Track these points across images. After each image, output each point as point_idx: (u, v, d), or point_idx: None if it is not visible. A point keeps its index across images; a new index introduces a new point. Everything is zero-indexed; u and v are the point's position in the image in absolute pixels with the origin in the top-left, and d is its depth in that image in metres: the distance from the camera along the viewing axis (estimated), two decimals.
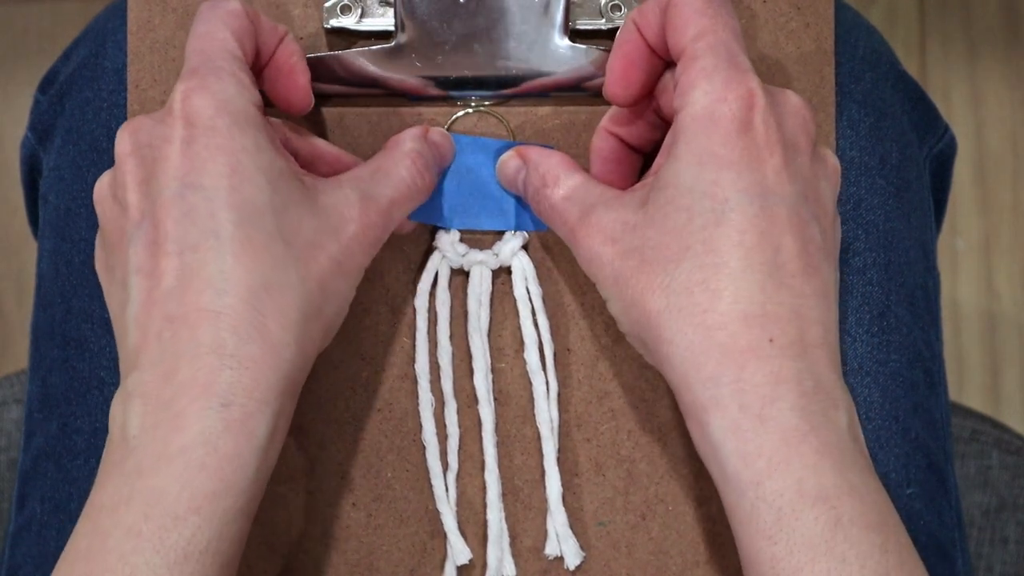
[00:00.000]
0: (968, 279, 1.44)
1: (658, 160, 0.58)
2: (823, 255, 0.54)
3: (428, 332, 0.63)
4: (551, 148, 0.61)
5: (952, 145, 0.75)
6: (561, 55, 0.61)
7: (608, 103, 0.59)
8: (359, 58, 0.61)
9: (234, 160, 0.53)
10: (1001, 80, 1.44)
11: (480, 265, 0.63)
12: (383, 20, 0.62)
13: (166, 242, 0.52)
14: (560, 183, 0.58)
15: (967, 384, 1.43)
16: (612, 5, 0.62)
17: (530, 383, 0.63)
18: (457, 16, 0.61)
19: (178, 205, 0.52)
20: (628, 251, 0.55)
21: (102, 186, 0.56)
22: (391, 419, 0.63)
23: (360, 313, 0.62)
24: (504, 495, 0.63)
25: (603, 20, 0.62)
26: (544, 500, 0.63)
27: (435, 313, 0.63)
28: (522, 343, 0.63)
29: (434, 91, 0.62)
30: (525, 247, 0.63)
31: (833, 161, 0.56)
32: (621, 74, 0.57)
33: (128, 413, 0.52)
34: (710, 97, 0.53)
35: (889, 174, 0.66)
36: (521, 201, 0.62)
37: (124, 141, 0.54)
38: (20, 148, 0.73)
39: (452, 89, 0.62)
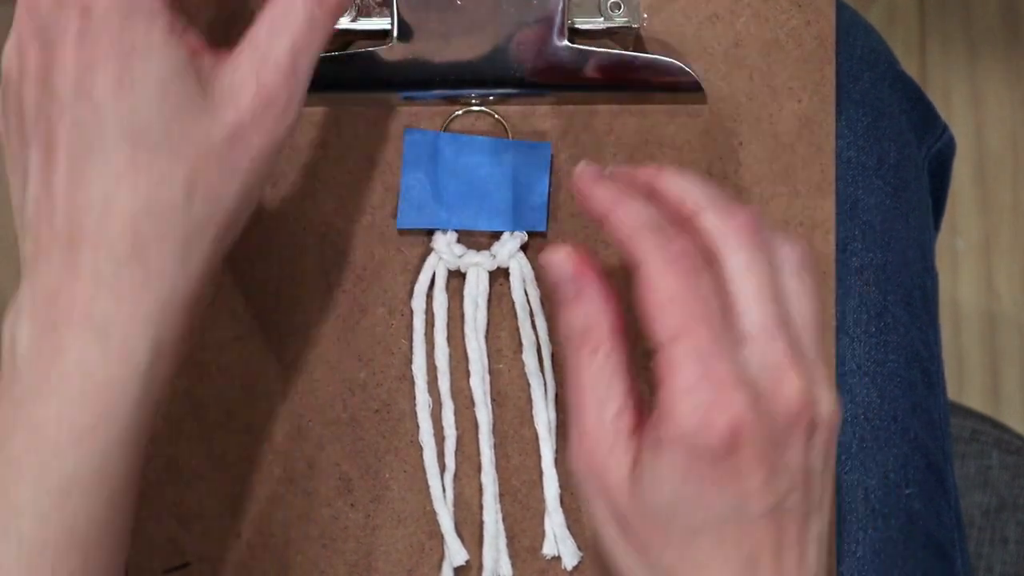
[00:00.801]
0: (968, 279, 1.44)
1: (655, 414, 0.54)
2: (806, 544, 0.53)
3: (425, 333, 0.62)
4: (546, 144, 0.62)
5: (951, 145, 0.75)
6: (560, 54, 0.61)
7: (607, 102, 0.59)
8: (357, 57, 0.61)
9: (125, 64, 0.51)
10: (1001, 80, 1.44)
11: (477, 267, 0.62)
12: (380, 20, 0.61)
13: (57, 150, 0.51)
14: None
15: (967, 384, 1.42)
16: (612, 3, 0.62)
17: (528, 384, 0.63)
18: (455, 14, 0.60)
19: (70, 113, 0.51)
20: (617, 516, 0.53)
21: (10, 55, 0.54)
22: (388, 420, 0.63)
23: (357, 314, 0.62)
24: (502, 496, 0.63)
25: (602, 19, 0.62)
26: (542, 501, 0.63)
27: (432, 314, 0.62)
28: (520, 344, 0.62)
29: (431, 90, 0.62)
30: (523, 248, 0.63)
31: (831, 421, 0.53)
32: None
33: (16, 331, 0.51)
34: (694, 420, 0.50)
35: (887, 174, 0.66)
36: (519, 201, 0.62)
37: (24, 20, 0.53)
38: None
39: (449, 88, 0.62)
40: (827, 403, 0.51)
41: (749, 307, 0.51)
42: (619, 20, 0.62)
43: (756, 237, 0.52)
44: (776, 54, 0.63)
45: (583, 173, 0.54)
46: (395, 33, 0.61)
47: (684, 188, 0.53)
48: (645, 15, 0.62)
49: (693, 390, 0.49)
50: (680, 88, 0.61)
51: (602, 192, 0.53)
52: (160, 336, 0.51)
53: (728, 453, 0.49)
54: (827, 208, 0.63)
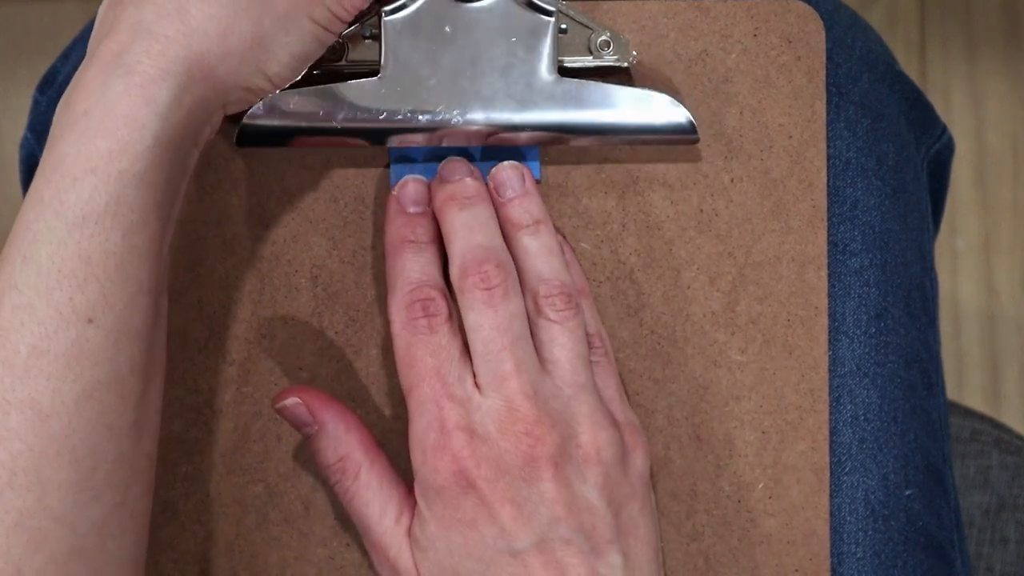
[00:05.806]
0: (968, 279, 1.43)
1: None
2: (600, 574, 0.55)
3: None
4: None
5: (950, 146, 0.75)
6: (549, 88, 0.60)
7: (597, 140, 0.59)
8: (344, 91, 0.60)
9: None
10: (1001, 80, 1.43)
11: None
12: (369, 52, 0.61)
13: None
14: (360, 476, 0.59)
15: (967, 384, 1.42)
16: (601, 42, 0.61)
17: None
18: (443, 49, 0.60)
19: None
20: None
21: None
22: None
23: (351, 355, 0.63)
24: None
25: (591, 57, 0.61)
26: None
27: None
28: None
29: (418, 123, 0.61)
30: None
31: (605, 457, 0.56)
32: None
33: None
34: (424, 465, 0.55)
35: (886, 175, 0.66)
36: None
37: None
38: (20, 148, 0.74)
39: (437, 125, 0.60)
40: (592, 439, 0.55)
41: (477, 361, 0.55)
42: (609, 59, 0.61)
43: (488, 293, 0.56)
44: (766, 90, 0.63)
45: (393, 199, 0.60)
46: (383, 67, 0.60)
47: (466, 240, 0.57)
48: (635, 53, 0.62)
49: (420, 438, 0.55)
50: (672, 126, 0.61)
51: (390, 226, 0.59)
52: (182, 85, 0.53)
53: (463, 492, 0.53)
54: (819, 243, 0.63)
